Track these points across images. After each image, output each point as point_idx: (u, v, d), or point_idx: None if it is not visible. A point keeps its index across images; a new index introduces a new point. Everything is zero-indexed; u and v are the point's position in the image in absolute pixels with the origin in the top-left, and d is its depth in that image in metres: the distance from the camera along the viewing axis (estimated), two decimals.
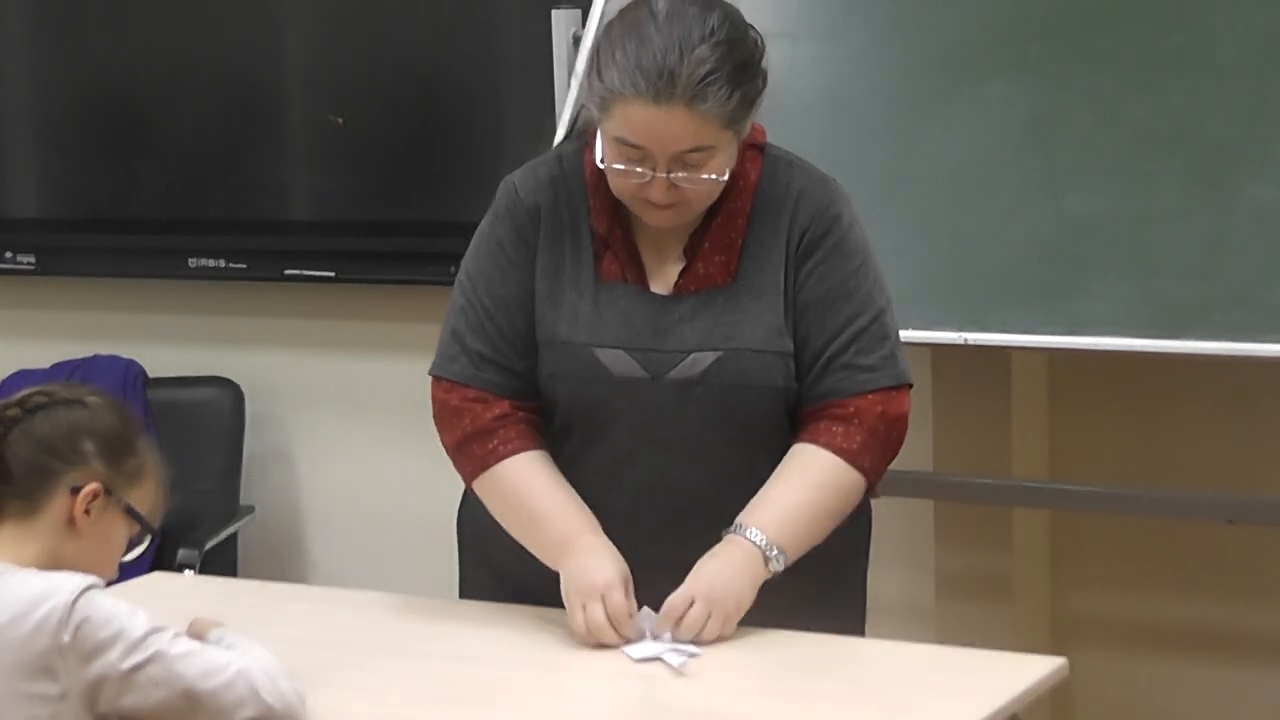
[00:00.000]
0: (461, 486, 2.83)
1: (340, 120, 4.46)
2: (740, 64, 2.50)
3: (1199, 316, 3.10)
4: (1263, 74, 3.15)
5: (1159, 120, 3.21)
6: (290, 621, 2.69)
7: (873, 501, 2.76)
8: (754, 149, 2.63)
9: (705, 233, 2.61)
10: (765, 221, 2.61)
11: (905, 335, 3.30)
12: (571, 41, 3.79)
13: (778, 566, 2.52)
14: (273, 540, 4.63)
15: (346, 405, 4.57)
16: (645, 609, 2.51)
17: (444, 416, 2.68)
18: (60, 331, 4.82)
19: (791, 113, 3.43)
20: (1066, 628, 3.83)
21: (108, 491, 2.23)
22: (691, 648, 2.45)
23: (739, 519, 2.55)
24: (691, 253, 2.62)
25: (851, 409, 2.58)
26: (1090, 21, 3.30)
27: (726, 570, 2.51)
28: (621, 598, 2.49)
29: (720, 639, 2.48)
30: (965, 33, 3.37)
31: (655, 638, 2.47)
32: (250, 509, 4.54)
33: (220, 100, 4.59)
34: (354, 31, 4.43)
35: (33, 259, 4.83)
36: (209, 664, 2.14)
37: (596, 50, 2.55)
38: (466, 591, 2.82)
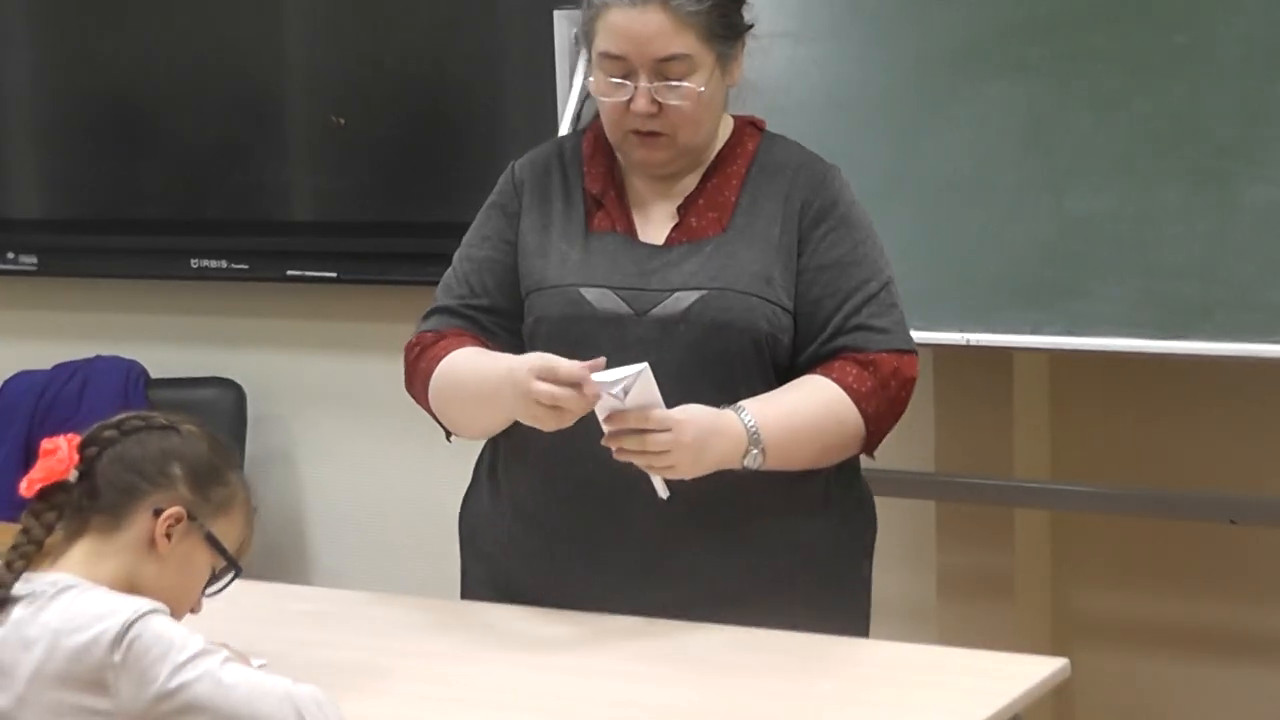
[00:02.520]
0: (464, 487, 2.84)
1: (342, 120, 4.45)
2: None
3: (1201, 317, 3.10)
4: (1264, 74, 3.15)
5: (1160, 120, 3.21)
6: (291, 622, 2.69)
7: (875, 500, 2.77)
8: (754, 127, 2.74)
9: (700, 193, 2.69)
10: (761, 186, 2.69)
11: None
12: (573, 42, 3.79)
13: (751, 464, 2.54)
14: (274, 540, 4.62)
15: (348, 406, 4.57)
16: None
17: (405, 361, 2.77)
18: (62, 332, 4.82)
19: (793, 112, 3.43)
20: (1068, 628, 3.82)
21: (191, 517, 2.23)
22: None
23: (744, 403, 2.55)
24: (684, 211, 2.68)
25: (869, 358, 2.62)
26: (1091, 22, 3.29)
27: (716, 432, 2.51)
28: (554, 360, 2.47)
29: (658, 462, 2.46)
30: (967, 33, 3.37)
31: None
32: (252, 509, 4.53)
33: (222, 100, 4.59)
34: (356, 31, 4.43)
35: (34, 259, 4.84)
36: (256, 687, 2.13)
37: None
38: (466, 587, 2.83)
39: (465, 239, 2.81)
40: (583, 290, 2.65)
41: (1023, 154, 3.30)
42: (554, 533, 2.68)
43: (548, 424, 2.48)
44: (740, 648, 2.50)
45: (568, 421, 2.47)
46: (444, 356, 2.69)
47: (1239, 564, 3.68)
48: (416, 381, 2.74)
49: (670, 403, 2.49)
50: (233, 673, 2.12)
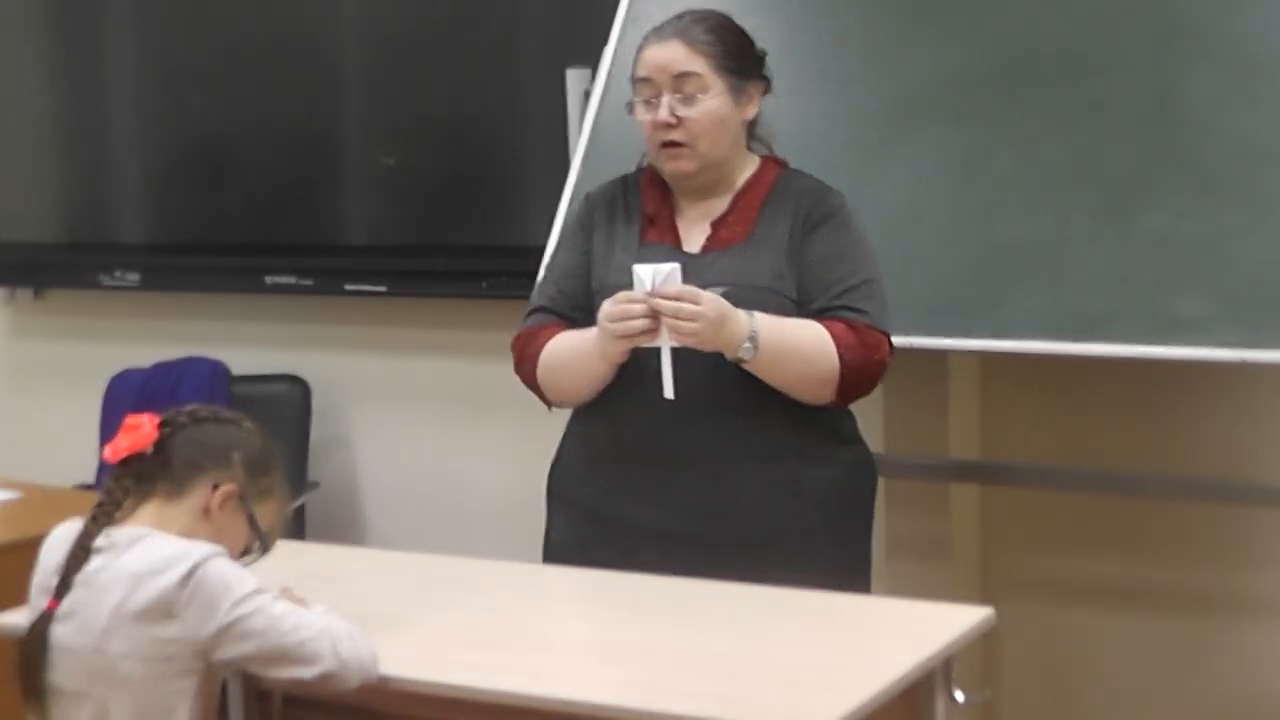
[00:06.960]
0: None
1: (391, 161, 4.46)
2: (733, 33, 2.79)
3: (1104, 324, 3.10)
4: (1158, 121, 3.15)
5: (1070, 160, 3.21)
6: (349, 577, 2.71)
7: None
8: (779, 164, 2.87)
9: (730, 212, 2.80)
10: (778, 205, 2.80)
11: None
12: (583, 95, 3.79)
13: (744, 356, 2.63)
14: (334, 510, 4.64)
15: (396, 398, 4.57)
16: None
17: (514, 352, 2.87)
18: (160, 337, 4.83)
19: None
20: (995, 583, 3.82)
21: (241, 496, 2.26)
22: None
23: (754, 312, 2.65)
24: (716, 225, 2.80)
25: (854, 324, 2.71)
26: (1015, 78, 3.29)
27: (731, 317, 2.62)
28: (610, 302, 2.64)
29: (685, 326, 2.58)
30: (911, 89, 3.37)
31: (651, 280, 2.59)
32: (316, 484, 4.55)
33: (292, 144, 4.60)
34: (402, 88, 4.44)
35: (137, 277, 4.85)
36: (300, 621, 2.15)
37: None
38: (552, 536, 2.88)
39: (551, 252, 3.08)
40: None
41: (957, 188, 3.29)
42: (623, 473, 2.75)
43: (623, 334, 2.60)
44: (708, 598, 2.49)
45: (638, 326, 2.58)
46: (548, 342, 2.80)
47: (1139, 529, 3.68)
48: (525, 364, 2.85)
49: (705, 369, 2.63)
50: (282, 608, 2.15)
